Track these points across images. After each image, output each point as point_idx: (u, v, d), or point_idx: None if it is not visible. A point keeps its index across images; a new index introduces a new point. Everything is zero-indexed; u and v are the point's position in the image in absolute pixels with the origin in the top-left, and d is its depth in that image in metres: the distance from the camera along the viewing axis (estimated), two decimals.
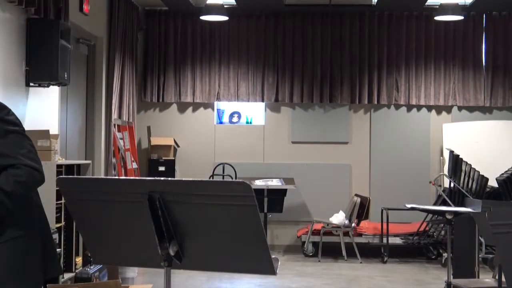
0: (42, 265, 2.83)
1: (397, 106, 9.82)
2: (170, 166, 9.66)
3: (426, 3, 9.13)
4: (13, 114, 2.83)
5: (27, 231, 2.78)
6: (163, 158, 9.66)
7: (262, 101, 9.82)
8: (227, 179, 9.42)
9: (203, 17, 8.74)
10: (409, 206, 5.86)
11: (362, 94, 9.70)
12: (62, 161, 6.08)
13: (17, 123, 2.82)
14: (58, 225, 5.80)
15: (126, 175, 8.70)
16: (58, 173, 5.71)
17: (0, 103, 2.82)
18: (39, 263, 2.81)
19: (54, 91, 6.64)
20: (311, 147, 9.88)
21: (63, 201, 5.66)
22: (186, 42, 9.83)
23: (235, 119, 10.06)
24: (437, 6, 8.59)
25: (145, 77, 9.82)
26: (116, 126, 8.54)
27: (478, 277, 5.92)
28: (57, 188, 5.04)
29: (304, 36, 9.78)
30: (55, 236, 5.30)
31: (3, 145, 2.72)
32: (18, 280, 2.74)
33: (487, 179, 8.57)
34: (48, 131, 5.78)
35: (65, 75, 6.17)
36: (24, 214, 2.79)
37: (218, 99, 9.83)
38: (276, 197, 9.13)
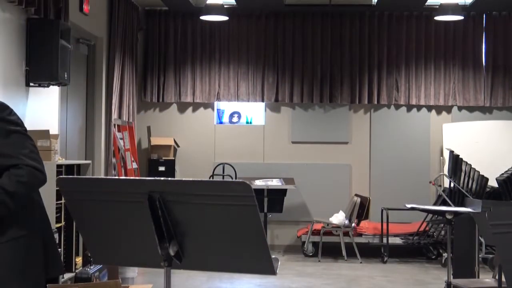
0: (43, 264, 2.83)
1: (397, 106, 9.82)
2: (170, 166, 9.66)
3: (426, 3, 9.13)
4: (15, 114, 2.83)
5: (28, 231, 2.78)
6: (163, 158, 9.66)
7: (262, 101, 9.82)
8: (227, 179, 9.42)
9: (203, 17, 8.74)
10: (409, 206, 5.86)
11: (362, 94, 9.70)
12: (62, 161, 6.08)
13: (19, 123, 2.82)
14: (58, 225, 5.80)
15: (126, 175, 8.70)
16: (58, 173, 5.71)
17: (2, 103, 2.82)
18: (40, 263, 2.81)
19: (54, 91, 6.63)
20: (311, 147, 9.88)
21: (63, 201, 5.66)
22: (186, 42, 9.83)
23: (235, 119, 10.06)
24: (437, 6, 8.59)
25: (145, 77, 9.82)
26: (116, 126, 8.54)
27: (478, 277, 5.92)
28: (57, 188, 5.04)
29: (304, 36, 9.78)
30: (55, 236, 5.30)
31: (5, 145, 2.73)
32: (19, 280, 2.74)
33: (487, 179, 8.57)
34: (48, 131, 5.78)
35: (65, 75, 6.17)
36: (25, 214, 2.79)
37: (218, 99, 9.83)
38: (276, 197, 9.13)
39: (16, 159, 2.72)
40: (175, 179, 2.36)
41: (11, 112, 2.81)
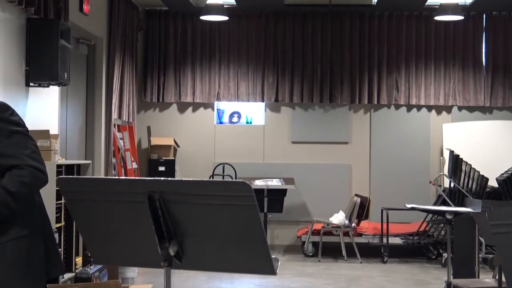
0: (44, 264, 2.84)
1: (397, 106, 9.82)
2: (170, 166, 9.66)
3: (426, 3, 9.13)
4: (17, 114, 2.84)
5: (30, 231, 2.79)
6: (163, 158, 9.66)
7: (262, 101, 9.82)
8: (227, 179, 9.42)
9: (203, 17, 8.74)
10: (409, 206, 5.86)
11: (362, 94, 9.70)
12: (62, 161, 6.08)
13: (21, 123, 2.83)
14: (58, 225, 5.80)
15: (126, 175, 8.70)
16: (58, 173, 5.71)
17: (4, 103, 2.83)
18: (42, 263, 2.82)
19: (54, 91, 6.63)
20: (311, 147, 9.88)
21: (63, 201, 5.66)
22: (186, 42, 9.83)
23: (235, 119, 10.06)
24: (437, 6, 8.59)
25: (145, 77, 9.82)
26: (116, 126, 8.54)
27: (478, 277, 5.92)
28: (57, 188, 5.04)
29: (304, 36, 9.77)
30: (55, 236, 5.30)
31: (7, 146, 2.74)
32: (21, 280, 2.75)
33: (487, 179, 8.57)
34: (48, 131, 5.78)
35: (65, 75, 6.17)
36: (26, 214, 2.80)
37: (218, 99, 9.83)
38: (276, 197, 9.13)
39: (18, 159, 2.73)
40: (175, 179, 2.36)
41: (13, 112, 2.81)
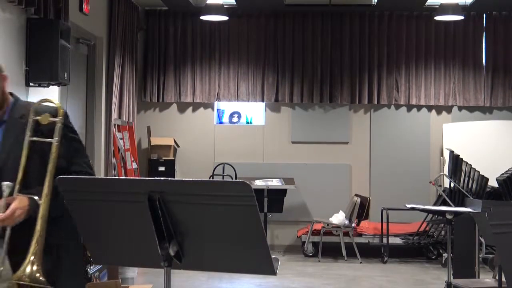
0: (85, 267, 2.94)
1: (397, 106, 9.82)
2: (170, 166, 9.66)
3: (426, 3, 9.13)
4: (71, 122, 2.95)
5: (77, 235, 2.86)
6: (163, 158, 9.66)
7: (262, 101, 9.82)
8: (227, 179, 9.42)
9: (203, 17, 8.74)
10: (409, 206, 5.87)
11: (362, 94, 9.70)
12: None
13: (76, 131, 2.96)
14: None
15: (126, 175, 8.70)
16: None
17: (64, 110, 2.93)
18: (83, 265, 2.91)
19: (54, 91, 6.63)
20: (311, 147, 9.88)
21: None
22: (186, 42, 9.83)
23: (235, 119, 10.06)
24: (437, 6, 8.60)
25: (145, 77, 9.82)
26: (116, 126, 8.54)
27: (478, 277, 5.93)
28: None
29: (304, 36, 9.77)
30: None
31: (71, 152, 2.86)
32: (73, 280, 2.85)
33: (487, 179, 8.57)
34: None
35: (65, 75, 6.16)
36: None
37: (218, 99, 9.83)
38: (276, 197, 9.14)
39: (80, 166, 2.86)
40: (175, 179, 2.36)
41: (70, 120, 2.94)
